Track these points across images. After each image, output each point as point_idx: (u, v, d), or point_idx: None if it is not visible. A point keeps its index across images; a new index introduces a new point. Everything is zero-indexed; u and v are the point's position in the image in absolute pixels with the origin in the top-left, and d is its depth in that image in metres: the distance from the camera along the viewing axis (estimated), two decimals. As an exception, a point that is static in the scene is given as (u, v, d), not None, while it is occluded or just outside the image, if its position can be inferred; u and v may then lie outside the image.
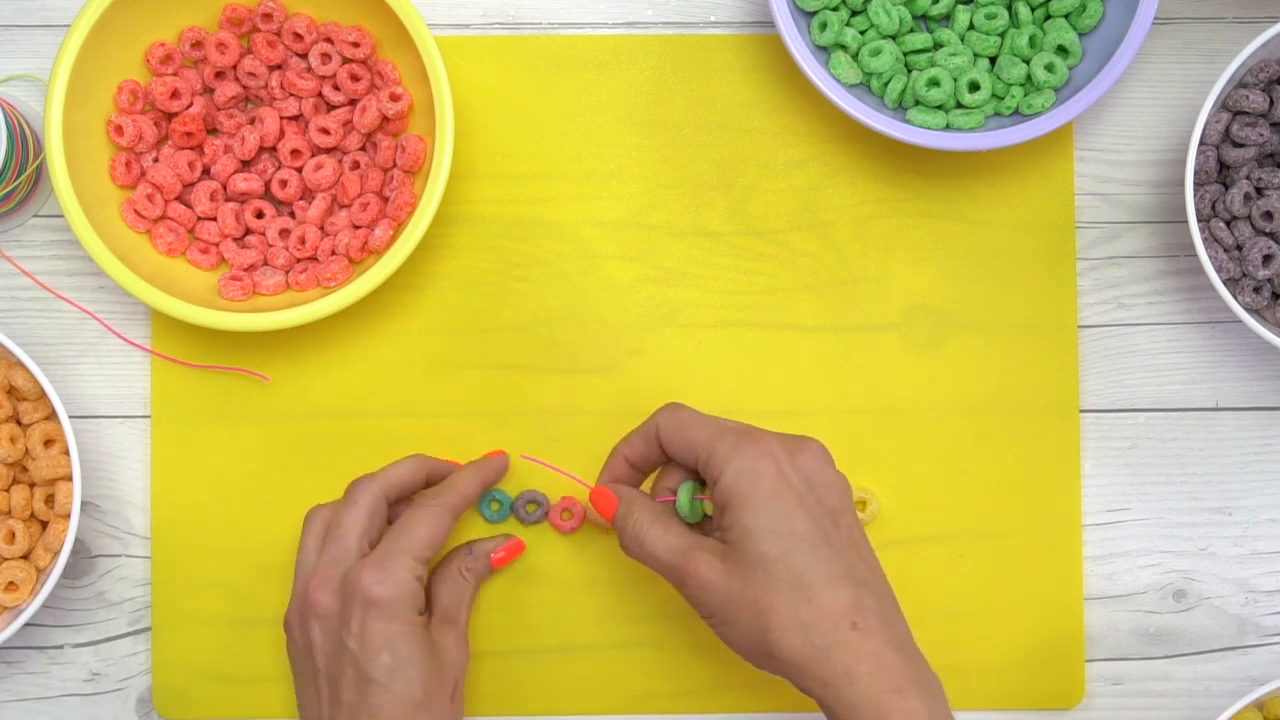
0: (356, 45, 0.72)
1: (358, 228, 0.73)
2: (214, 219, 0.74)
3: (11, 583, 0.71)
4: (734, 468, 0.62)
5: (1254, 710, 0.71)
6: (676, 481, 0.67)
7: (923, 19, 0.74)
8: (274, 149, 0.74)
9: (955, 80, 0.71)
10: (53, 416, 0.72)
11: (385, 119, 0.73)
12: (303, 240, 0.73)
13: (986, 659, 0.75)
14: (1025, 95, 0.71)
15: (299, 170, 0.74)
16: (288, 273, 0.73)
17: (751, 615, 0.61)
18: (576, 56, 0.76)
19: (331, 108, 0.74)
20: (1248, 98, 0.70)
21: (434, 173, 0.70)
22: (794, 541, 0.61)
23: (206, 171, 0.74)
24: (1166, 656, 0.75)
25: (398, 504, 0.71)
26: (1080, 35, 0.72)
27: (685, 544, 0.63)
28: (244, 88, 0.74)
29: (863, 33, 0.72)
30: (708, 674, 0.75)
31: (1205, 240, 0.71)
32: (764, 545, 0.61)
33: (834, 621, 0.60)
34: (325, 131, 0.73)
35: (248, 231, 0.74)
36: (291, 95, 0.74)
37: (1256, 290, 0.71)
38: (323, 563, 0.67)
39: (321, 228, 0.74)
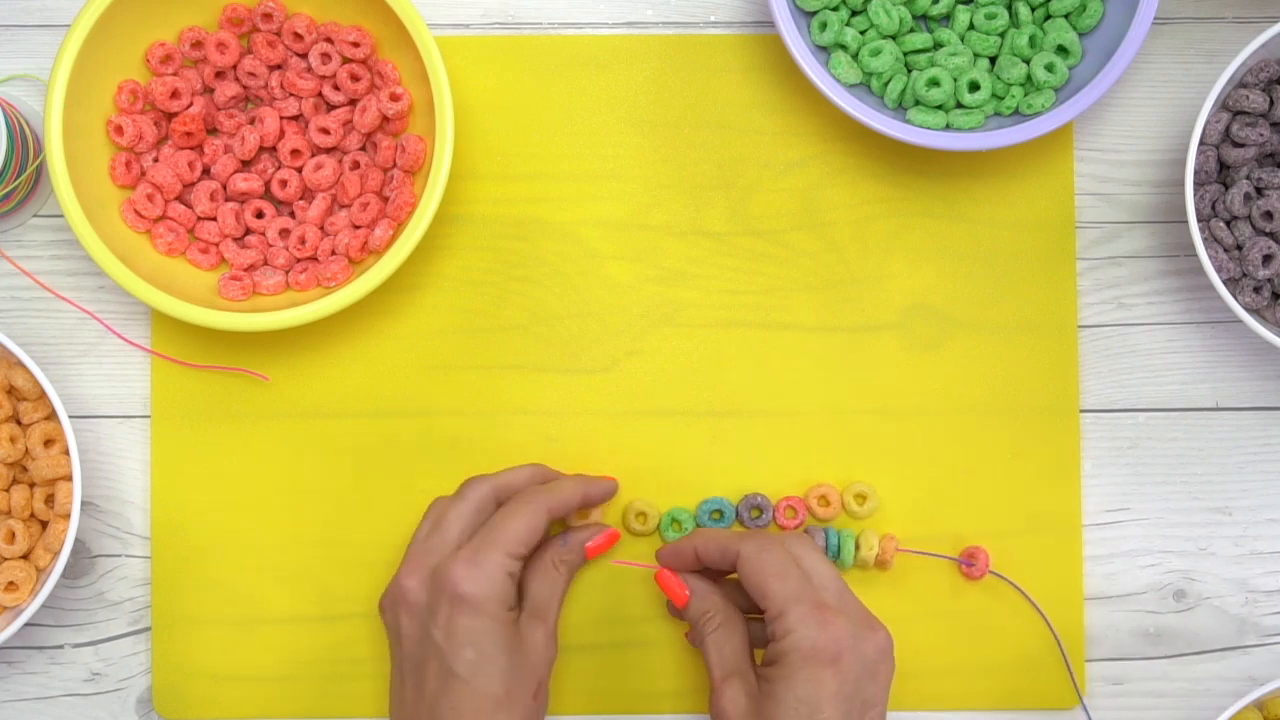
0: (356, 45, 0.72)
1: (358, 228, 0.73)
2: (214, 219, 0.74)
3: (11, 583, 0.71)
4: (793, 639, 0.63)
5: (1254, 710, 0.71)
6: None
7: (923, 19, 0.74)
8: (274, 149, 0.74)
9: (955, 80, 0.71)
10: (53, 416, 0.72)
11: (385, 119, 0.73)
12: (303, 240, 0.73)
13: (987, 659, 0.75)
14: (1025, 95, 0.71)
15: (299, 170, 0.74)
16: (288, 273, 0.73)
17: None
18: (576, 56, 0.76)
19: (331, 108, 0.74)
20: (1248, 98, 0.70)
21: (434, 173, 0.70)
22: None
23: (206, 171, 0.74)
24: (1166, 656, 0.75)
25: None
26: (1080, 35, 0.72)
27: (732, 665, 0.65)
28: (244, 88, 0.74)
29: (863, 33, 0.72)
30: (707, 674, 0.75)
31: (1205, 240, 0.71)
32: (785, 716, 0.62)
33: None
34: (325, 131, 0.73)
35: (248, 231, 0.74)
36: (291, 95, 0.74)
37: (1256, 290, 0.71)
38: (420, 551, 0.67)
39: (321, 228, 0.74)
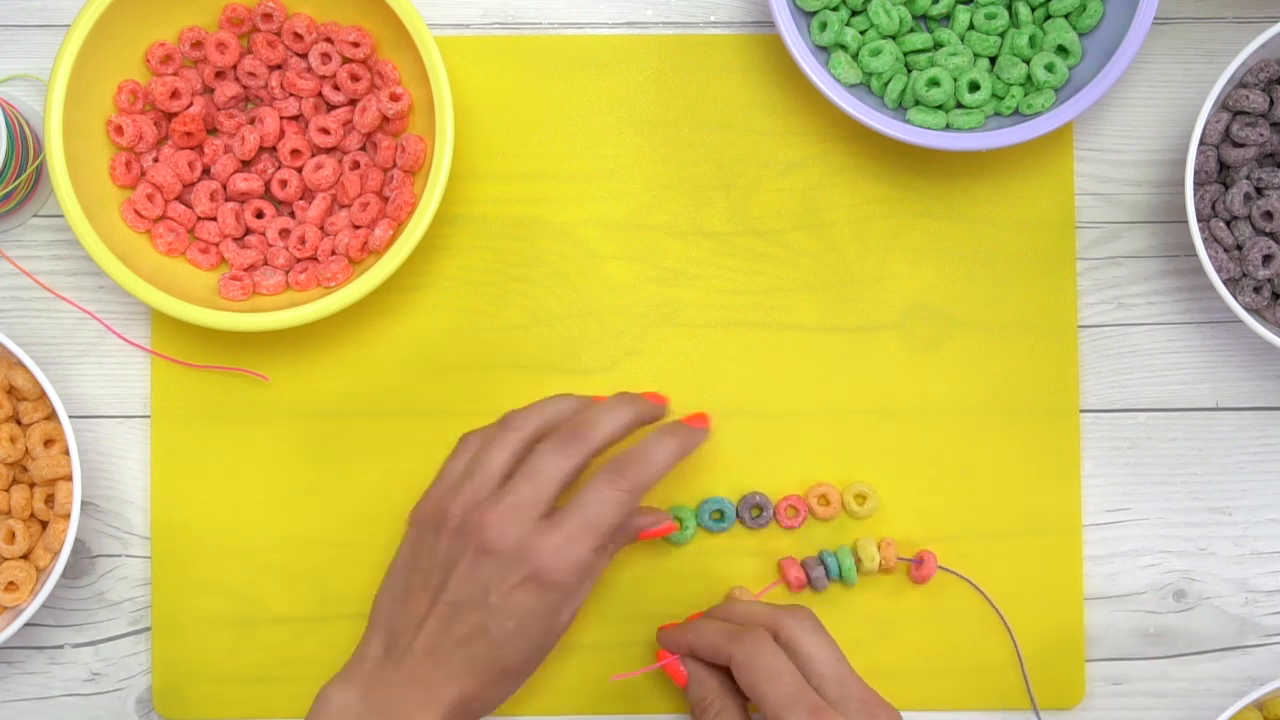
0: (356, 45, 0.72)
1: (358, 228, 0.73)
2: (214, 219, 0.74)
3: (11, 583, 0.71)
4: None
5: (1254, 710, 0.71)
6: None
7: (923, 19, 0.74)
8: (274, 149, 0.74)
9: (955, 80, 0.71)
10: (53, 416, 0.72)
11: (385, 119, 0.73)
12: (303, 240, 0.73)
13: (987, 658, 0.75)
14: (1025, 95, 0.71)
15: (299, 170, 0.74)
16: (288, 272, 0.73)
17: None
18: (576, 56, 0.76)
19: (331, 108, 0.74)
20: (1248, 98, 0.70)
21: (434, 173, 0.70)
22: None
23: (206, 171, 0.74)
24: (1166, 656, 0.75)
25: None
26: (1080, 35, 0.72)
27: None
28: (244, 88, 0.74)
29: (863, 32, 0.72)
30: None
31: (1205, 240, 0.71)
32: None
33: None
34: (325, 131, 0.73)
35: (248, 231, 0.74)
36: (291, 95, 0.74)
37: (1256, 290, 0.71)
38: (464, 487, 0.66)
39: (321, 227, 0.74)
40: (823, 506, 0.74)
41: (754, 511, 0.74)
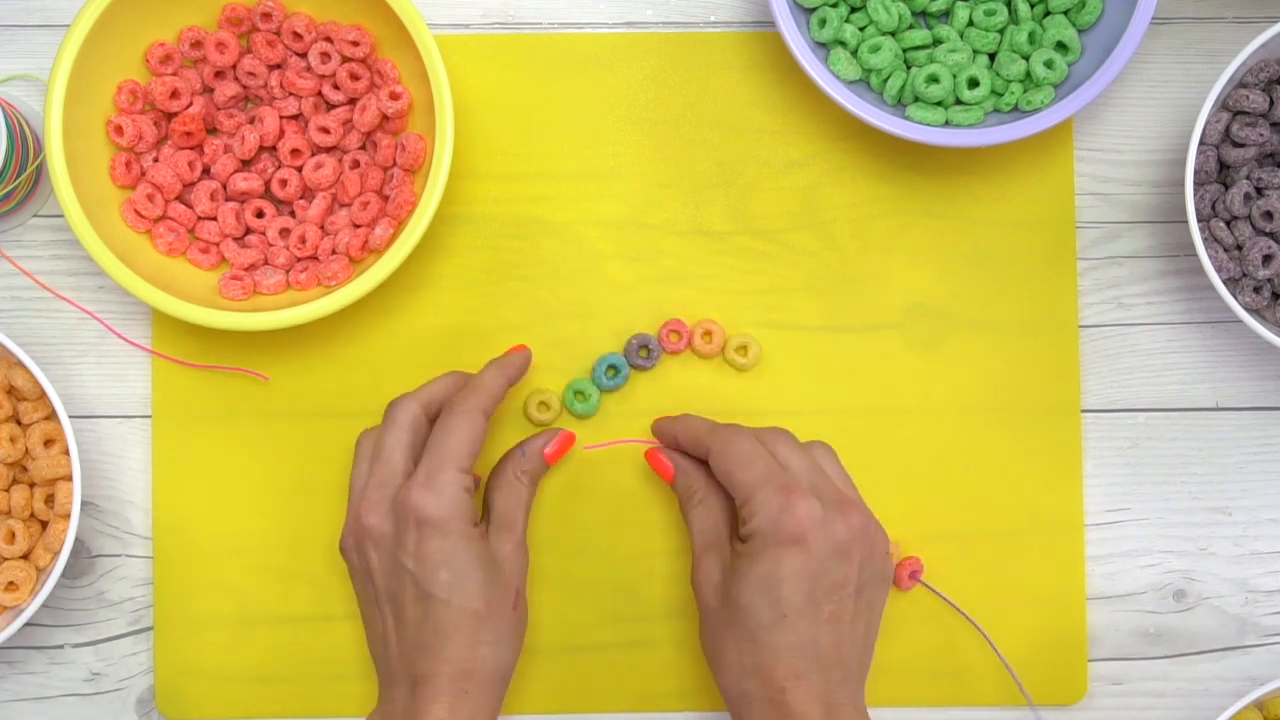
0: (356, 44, 0.72)
1: (358, 227, 0.73)
2: (214, 219, 0.74)
3: (11, 583, 0.71)
4: (757, 521, 0.65)
5: (1254, 710, 0.71)
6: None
7: (922, 15, 0.74)
8: (274, 148, 0.74)
9: (954, 76, 0.71)
10: (53, 416, 0.72)
11: (385, 118, 0.73)
12: (303, 239, 0.73)
13: (989, 657, 0.75)
14: (1024, 92, 0.71)
15: (299, 169, 0.74)
16: (288, 272, 0.73)
17: (709, 634, 0.67)
18: (576, 55, 0.76)
19: (331, 107, 0.74)
20: (1248, 98, 0.70)
21: (434, 172, 0.70)
22: (772, 607, 0.64)
23: (206, 171, 0.74)
24: (1166, 656, 0.75)
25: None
26: (1080, 32, 0.72)
27: (710, 539, 0.69)
28: (244, 87, 0.74)
29: (862, 29, 0.72)
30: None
31: (1205, 240, 0.71)
32: (746, 596, 0.65)
33: (764, 680, 0.64)
34: (325, 130, 0.73)
35: (248, 231, 0.74)
36: (291, 94, 0.74)
37: (1256, 290, 0.71)
38: (371, 485, 0.67)
39: (322, 227, 0.74)
40: (705, 343, 0.74)
41: (642, 353, 0.74)
